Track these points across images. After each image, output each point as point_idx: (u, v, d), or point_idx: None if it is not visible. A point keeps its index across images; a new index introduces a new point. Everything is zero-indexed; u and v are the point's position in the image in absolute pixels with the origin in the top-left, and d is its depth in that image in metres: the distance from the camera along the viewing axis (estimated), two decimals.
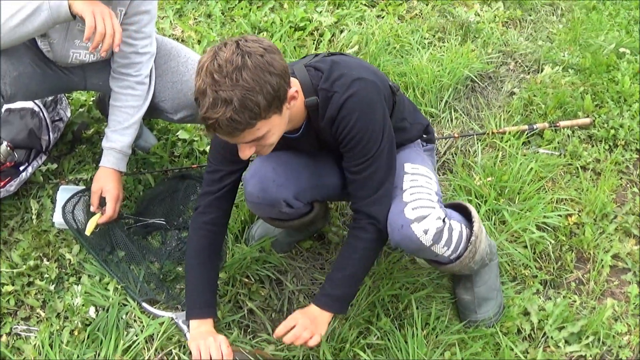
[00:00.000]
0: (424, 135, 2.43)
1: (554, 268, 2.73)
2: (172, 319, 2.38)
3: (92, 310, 2.41)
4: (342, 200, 2.80)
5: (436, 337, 2.44)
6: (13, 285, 2.46)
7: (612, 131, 3.25)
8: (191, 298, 2.27)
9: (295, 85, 1.98)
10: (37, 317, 2.42)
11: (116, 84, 2.56)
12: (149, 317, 2.42)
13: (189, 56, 2.62)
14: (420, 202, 2.15)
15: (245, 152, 1.97)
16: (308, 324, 2.14)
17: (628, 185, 3.09)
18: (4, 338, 2.35)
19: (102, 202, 2.57)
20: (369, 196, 2.14)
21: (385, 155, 2.12)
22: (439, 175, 3.09)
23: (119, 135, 2.56)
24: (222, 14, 3.75)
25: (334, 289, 2.20)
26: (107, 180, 2.55)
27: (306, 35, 3.59)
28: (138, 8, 2.42)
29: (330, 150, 2.22)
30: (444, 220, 2.15)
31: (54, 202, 2.71)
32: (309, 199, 2.35)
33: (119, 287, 2.48)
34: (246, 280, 2.58)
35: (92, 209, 2.57)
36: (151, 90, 2.58)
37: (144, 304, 2.44)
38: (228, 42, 1.84)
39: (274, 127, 1.92)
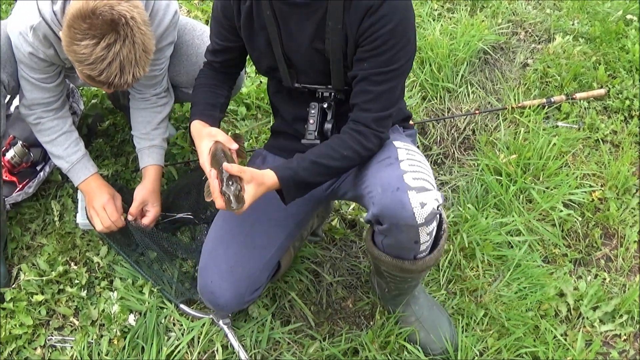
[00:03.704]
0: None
1: (582, 246, 2.73)
2: (213, 319, 2.32)
3: (131, 317, 2.33)
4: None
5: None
6: (43, 294, 2.36)
7: (627, 102, 3.23)
8: (197, 109, 2.13)
9: None
10: (71, 326, 2.34)
11: (137, 95, 2.45)
12: (188, 319, 2.35)
13: (204, 30, 2.47)
14: (421, 174, 1.85)
15: None
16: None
17: None
18: (38, 351, 2.27)
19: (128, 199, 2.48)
20: (377, 111, 1.89)
21: (405, 74, 1.92)
22: (460, 154, 3.06)
23: (152, 136, 2.46)
24: None
25: (307, 176, 1.89)
26: (154, 197, 2.45)
27: None
28: (162, 43, 2.27)
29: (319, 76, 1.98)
30: (439, 208, 1.86)
31: (75, 201, 2.59)
32: (270, 272, 2.24)
33: (155, 289, 2.40)
34: None
35: (143, 222, 2.46)
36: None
37: (182, 306, 2.37)
38: None
39: None
